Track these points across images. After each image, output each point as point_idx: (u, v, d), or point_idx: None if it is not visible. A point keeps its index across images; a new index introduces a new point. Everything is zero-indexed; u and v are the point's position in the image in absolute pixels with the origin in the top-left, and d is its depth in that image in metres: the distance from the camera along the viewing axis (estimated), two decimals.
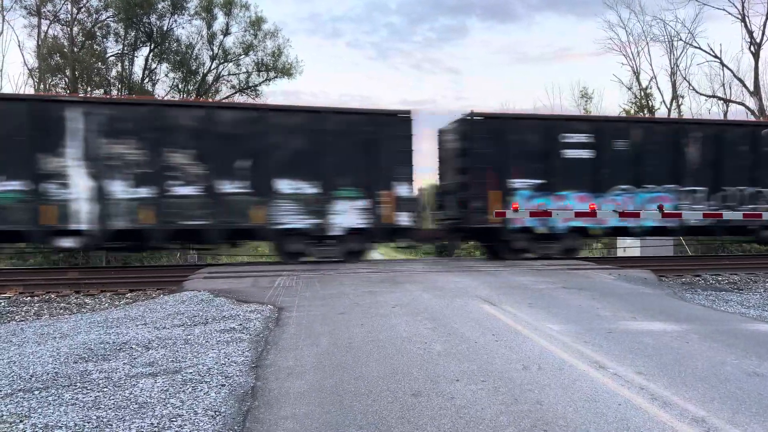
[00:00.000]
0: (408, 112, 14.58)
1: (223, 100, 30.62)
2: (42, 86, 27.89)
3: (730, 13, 31.85)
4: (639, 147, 15.53)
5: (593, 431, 3.94)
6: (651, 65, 52.43)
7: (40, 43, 27.64)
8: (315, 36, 75.29)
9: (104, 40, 29.37)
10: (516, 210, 12.74)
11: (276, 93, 57.50)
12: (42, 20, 27.97)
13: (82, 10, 28.37)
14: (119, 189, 13.04)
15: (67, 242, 12.97)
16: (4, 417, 4.24)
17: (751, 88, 31.04)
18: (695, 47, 33.63)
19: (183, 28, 31.09)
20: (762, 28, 30.87)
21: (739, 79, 32.20)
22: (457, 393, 4.71)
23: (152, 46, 29.64)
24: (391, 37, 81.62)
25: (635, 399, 4.55)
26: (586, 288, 10.21)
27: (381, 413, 4.30)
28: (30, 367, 5.55)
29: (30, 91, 28.19)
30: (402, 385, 4.91)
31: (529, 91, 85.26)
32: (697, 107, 51.79)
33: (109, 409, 4.39)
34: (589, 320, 7.53)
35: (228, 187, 13.57)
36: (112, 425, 4.06)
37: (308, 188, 13.92)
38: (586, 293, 9.65)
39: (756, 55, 30.73)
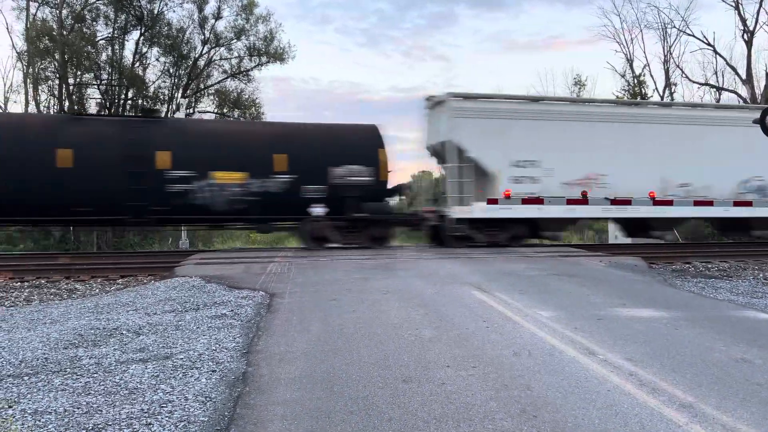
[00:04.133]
0: None
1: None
2: (31, 70, 27.55)
3: (723, 1, 31.75)
4: None
5: (582, 416, 3.97)
6: (644, 52, 52.30)
7: (28, 26, 27.25)
8: (304, 22, 74.67)
9: (94, 23, 29.00)
10: None
11: (267, 79, 57.08)
12: (31, 3, 27.58)
13: None
14: None
15: None
16: None
17: (744, 76, 31.11)
18: (689, 35, 33.70)
19: (174, 11, 30.88)
20: (755, 15, 30.91)
21: (732, 67, 32.26)
22: (447, 379, 4.73)
23: (143, 30, 29.28)
24: (380, 23, 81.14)
25: (624, 385, 4.59)
26: (577, 275, 10.26)
27: (371, 399, 4.31)
28: (20, 352, 5.53)
29: (18, 74, 27.87)
30: (393, 371, 4.93)
31: (521, 78, 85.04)
32: (689, 95, 51.88)
33: (99, 394, 4.38)
34: (580, 307, 7.58)
35: None
36: (102, 411, 4.05)
37: None
38: (577, 280, 9.70)
39: (749, 43, 30.76)
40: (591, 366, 5.06)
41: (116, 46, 29.43)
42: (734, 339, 6.06)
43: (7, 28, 33.76)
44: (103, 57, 29.47)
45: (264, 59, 31.45)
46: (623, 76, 35.62)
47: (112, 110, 28.85)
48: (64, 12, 27.69)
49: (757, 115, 12.89)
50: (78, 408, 4.10)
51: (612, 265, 11.78)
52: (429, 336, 6.05)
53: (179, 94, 30.57)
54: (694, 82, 33.98)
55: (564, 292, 8.64)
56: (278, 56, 31.08)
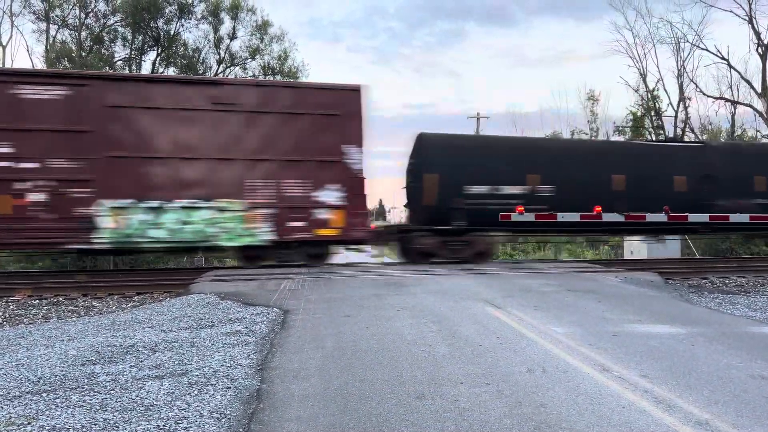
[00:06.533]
0: None
1: None
2: None
3: (737, 15, 31.69)
4: None
5: None
6: (658, 67, 52.06)
7: (48, 48, 27.89)
8: (316, 40, 75.98)
9: (112, 44, 29.61)
10: None
11: None
12: (50, 25, 28.25)
13: (90, 15, 28.64)
14: None
15: None
16: (13, 419, 4.29)
17: (759, 90, 30.91)
18: (702, 49, 33.56)
19: (190, 32, 31.32)
20: None
21: (747, 81, 32.12)
22: (461, 396, 4.72)
23: (159, 51, 29.83)
24: (391, 41, 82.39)
25: (639, 402, 4.56)
26: (592, 290, 10.20)
27: (385, 416, 4.32)
28: (38, 369, 5.61)
29: None
30: (406, 388, 4.93)
31: (533, 94, 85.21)
32: (704, 109, 51.82)
33: (116, 411, 4.44)
34: (594, 323, 7.53)
35: None
36: (118, 427, 4.10)
37: None
38: (592, 296, 9.64)
39: (763, 57, 30.60)
40: (606, 383, 5.03)
41: (133, 66, 29.98)
42: (751, 356, 5.99)
43: (28, 51, 34.56)
44: None
45: (278, 78, 31.85)
46: (637, 90, 35.59)
47: None
48: (83, 34, 28.32)
49: None
50: (95, 424, 4.15)
51: (628, 280, 11.69)
52: (442, 353, 6.05)
53: None
54: (708, 96, 33.86)
55: (579, 308, 8.59)
56: (292, 75, 31.48)
